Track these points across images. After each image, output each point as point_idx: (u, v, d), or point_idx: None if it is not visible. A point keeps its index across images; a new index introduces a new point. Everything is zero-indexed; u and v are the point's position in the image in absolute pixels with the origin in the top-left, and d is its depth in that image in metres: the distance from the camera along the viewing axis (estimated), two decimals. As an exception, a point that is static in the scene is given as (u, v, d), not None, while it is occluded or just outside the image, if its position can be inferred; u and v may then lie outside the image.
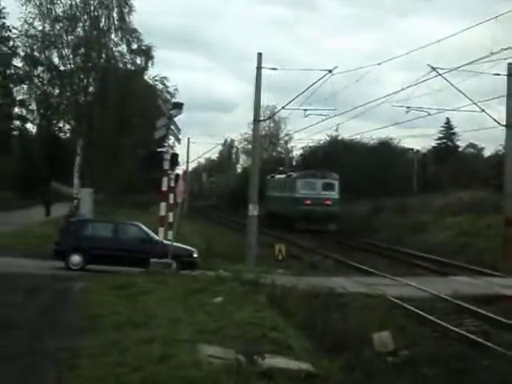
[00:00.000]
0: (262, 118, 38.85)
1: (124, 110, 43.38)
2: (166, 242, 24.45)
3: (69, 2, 43.02)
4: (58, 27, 42.94)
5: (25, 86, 46.06)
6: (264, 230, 38.52)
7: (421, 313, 19.52)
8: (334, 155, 75.72)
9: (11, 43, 49.46)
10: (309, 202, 52.84)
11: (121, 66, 45.95)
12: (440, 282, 25.64)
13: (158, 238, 24.59)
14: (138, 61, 46.15)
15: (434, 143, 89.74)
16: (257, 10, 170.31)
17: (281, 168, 67.03)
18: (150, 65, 46.86)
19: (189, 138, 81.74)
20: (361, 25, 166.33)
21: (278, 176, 63.72)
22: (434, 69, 30.29)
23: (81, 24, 43.42)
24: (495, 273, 28.63)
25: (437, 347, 15.57)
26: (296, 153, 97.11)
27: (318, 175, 55.62)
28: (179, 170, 37.60)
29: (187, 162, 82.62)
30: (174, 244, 24.19)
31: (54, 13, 42.82)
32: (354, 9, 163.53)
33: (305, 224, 50.76)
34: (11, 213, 46.51)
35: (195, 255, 24.44)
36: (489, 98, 34.34)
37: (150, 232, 24.78)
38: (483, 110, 32.66)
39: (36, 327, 13.35)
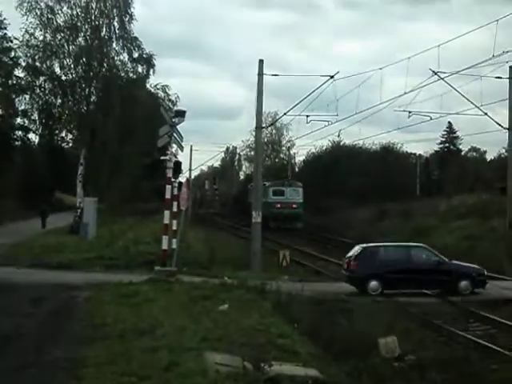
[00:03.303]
0: (264, 125, 38.86)
1: (126, 118, 43.38)
2: (455, 261, 25.04)
3: (69, 12, 43.20)
4: (59, 37, 43.03)
5: (27, 96, 46.01)
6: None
7: (427, 317, 19.48)
8: (336, 161, 75.92)
9: (13, 54, 49.58)
10: (279, 205, 61.73)
11: (122, 74, 46.05)
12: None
13: (444, 258, 24.99)
14: (140, 69, 46.23)
15: (436, 147, 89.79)
16: (259, 16, 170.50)
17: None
18: (151, 73, 46.93)
19: (191, 146, 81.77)
20: (365, 30, 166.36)
21: None
22: (435, 73, 30.20)
23: (82, 34, 43.48)
24: (500, 276, 28.53)
25: (443, 351, 15.52)
26: (298, 159, 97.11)
27: (286, 184, 65.63)
28: (182, 178, 37.52)
29: (190, 169, 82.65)
30: (466, 264, 24.91)
31: (54, 23, 42.93)
32: (358, 15, 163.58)
33: (277, 223, 58.31)
34: (8, 225, 45.69)
35: (485, 273, 24.64)
36: (491, 102, 34.15)
37: (436, 252, 25.19)
38: (486, 114, 32.60)
39: (42, 337, 13.31)
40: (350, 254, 25.36)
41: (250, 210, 64.23)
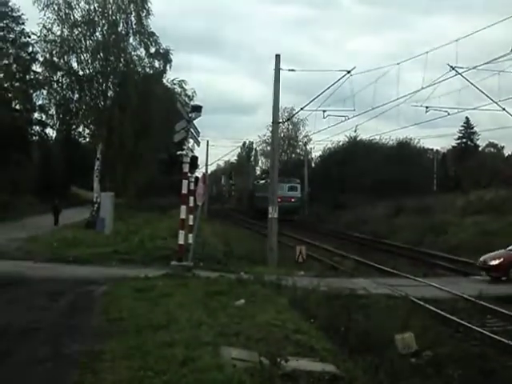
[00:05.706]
0: (280, 120, 38.80)
1: (143, 113, 43.52)
2: None
3: (87, 7, 43.38)
4: (76, 32, 43.16)
5: (44, 92, 46.32)
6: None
7: (443, 313, 19.38)
8: (353, 156, 75.94)
9: (30, 49, 49.91)
10: (279, 199, 62.65)
11: (139, 69, 46.20)
12: (462, 282, 25.47)
13: None
14: (157, 64, 46.46)
15: (454, 143, 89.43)
16: (276, 11, 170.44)
17: (263, 175, 75.64)
18: (168, 68, 47.15)
19: (208, 141, 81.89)
20: (382, 25, 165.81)
21: (260, 181, 79.25)
22: (453, 68, 29.99)
23: (99, 29, 43.65)
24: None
25: (460, 348, 15.44)
26: (315, 154, 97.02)
27: (285, 180, 69.88)
28: (199, 173, 37.61)
29: (206, 164, 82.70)
30: None
31: (72, 18, 43.08)
32: (375, 8, 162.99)
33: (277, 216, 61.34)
34: (24, 219, 44.17)
35: None
36: (509, 97, 33.82)
37: None
38: (504, 109, 32.33)
39: (58, 330, 13.36)
40: None
41: (255, 204, 73.41)
